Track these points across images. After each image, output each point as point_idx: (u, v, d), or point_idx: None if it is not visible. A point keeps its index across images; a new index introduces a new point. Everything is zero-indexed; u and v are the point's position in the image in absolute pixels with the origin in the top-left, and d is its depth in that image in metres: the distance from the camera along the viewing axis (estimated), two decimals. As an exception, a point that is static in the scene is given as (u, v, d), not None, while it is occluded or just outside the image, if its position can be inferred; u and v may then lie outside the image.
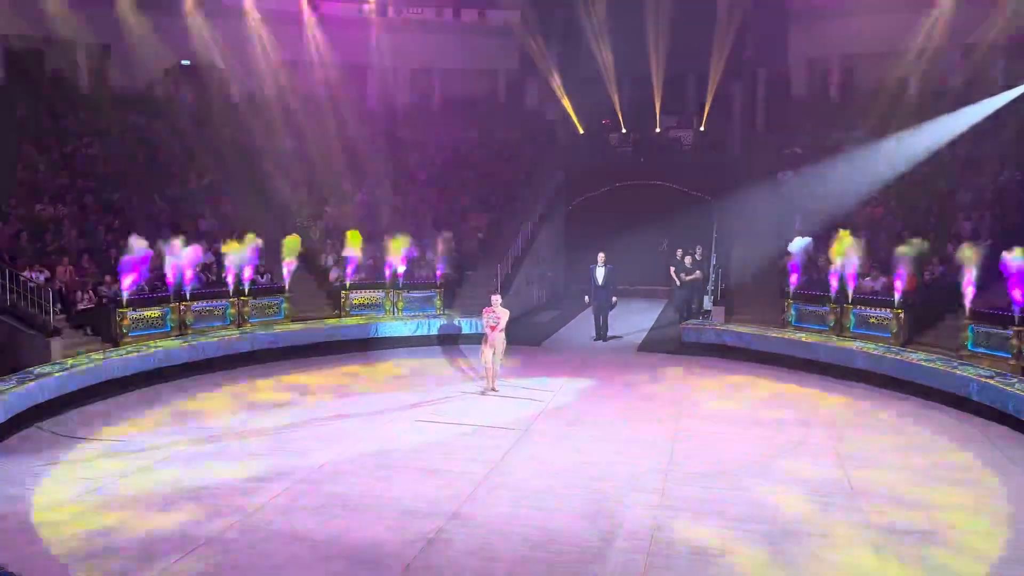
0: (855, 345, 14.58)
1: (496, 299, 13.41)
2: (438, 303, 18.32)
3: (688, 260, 18.71)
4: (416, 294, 18.21)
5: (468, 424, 11.50)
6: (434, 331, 17.36)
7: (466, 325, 17.31)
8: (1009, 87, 19.96)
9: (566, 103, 26.18)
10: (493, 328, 12.94)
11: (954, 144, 19.27)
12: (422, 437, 10.94)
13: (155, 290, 15.28)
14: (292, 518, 8.14)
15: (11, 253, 15.05)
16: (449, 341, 17.20)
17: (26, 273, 14.38)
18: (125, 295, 14.47)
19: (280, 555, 7.32)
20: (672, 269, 18.76)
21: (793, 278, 16.28)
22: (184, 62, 24.01)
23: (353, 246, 17.64)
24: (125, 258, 14.38)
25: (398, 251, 17.68)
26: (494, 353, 13.01)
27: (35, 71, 22.02)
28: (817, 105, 25.04)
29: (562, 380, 14.16)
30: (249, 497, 8.66)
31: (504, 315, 13.08)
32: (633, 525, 8.01)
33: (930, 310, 15.11)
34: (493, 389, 13.09)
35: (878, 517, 8.26)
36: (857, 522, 8.15)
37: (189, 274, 15.34)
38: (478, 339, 17.17)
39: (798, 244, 16.41)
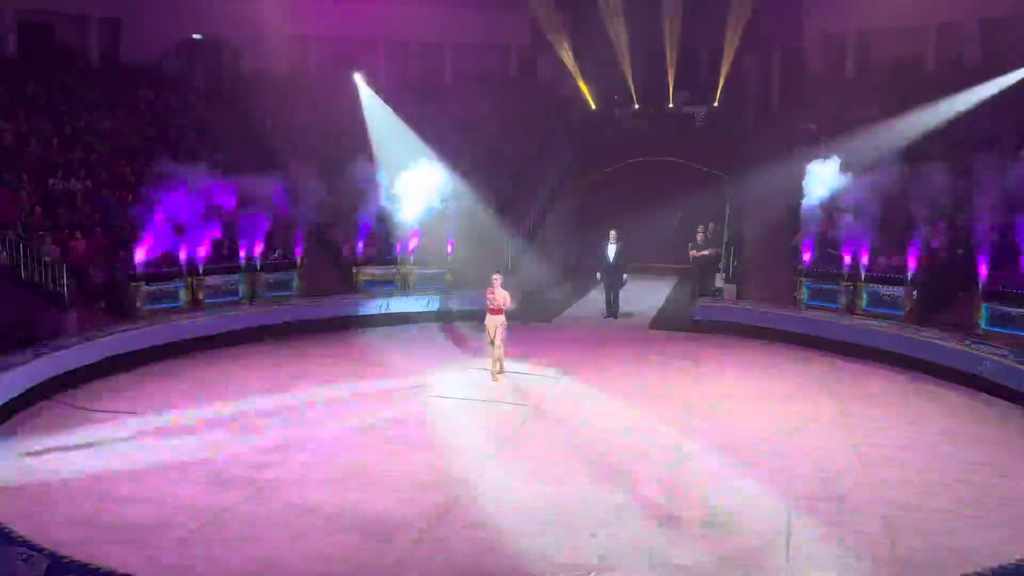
0: (868, 323, 14.52)
1: (497, 279, 12.56)
2: (449, 279, 18.34)
3: (700, 237, 18.66)
4: (427, 271, 18.22)
5: (479, 400, 11.56)
6: (445, 307, 17.37)
7: (478, 301, 17.31)
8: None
9: (578, 78, 25.97)
10: (493, 310, 12.40)
11: (971, 120, 19.02)
12: (434, 412, 11.02)
13: (170, 264, 15.38)
14: (304, 490, 8.23)
15: (25, 227, 15.12)
16: (460, 317, 17.21)
17: (41, 248, 14.46)
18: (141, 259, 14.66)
19: (292, 526, 7.40)
20: (689, 246, 18.76)
21: (806, 256, 16.19)
22: (196, 36, 23.94)
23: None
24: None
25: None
26: (493, 339, 12.39)
27: (46, 45, 22.03)
28: (832, 81, 24.77)
29: (573, 357, 14.17)
30: (262, 469, 8.75)
31: (504, 296, 12.39)
32: (644, 500, 8.06)
33: (944, 288, 15.02)
34: (499, 373, 12.54)
35: (887, 491, 8.28)
36: (868, 498, 8.17)
37: (202, 252, 15.47)
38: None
39: (828, 184, 15.68)
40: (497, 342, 12.45)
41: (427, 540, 7.16)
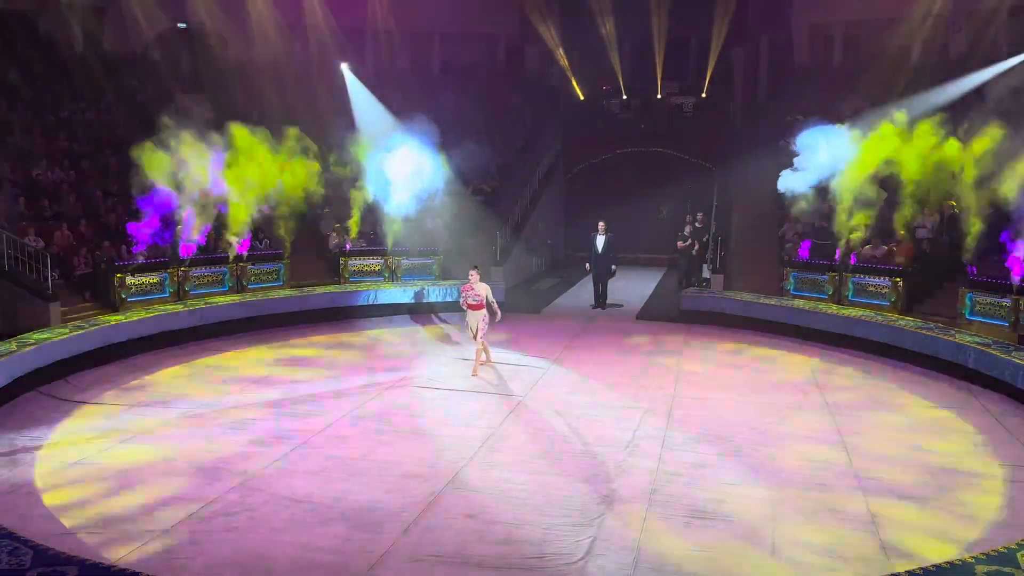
0: (853, 313, 14.60)
1: (474, 275, 12.34)
2: (436, 270, 18.31)
3: (688, 229, 18.74)
4: (415, 261, 18.18)
5: (466, 390, 11.55)
6: (433, 298, 17.34)
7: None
8: (1012, 54, 19.74)
9: (567, 69, 25.93)
10: (472, 306, 12.15)
11: (957, 111, 19.10)
12: (421, 403, 11.01)
13: (156, 255, 15.30)
14: (292, 481, 8.21)
15: (9, 218, 14.99)
16: (448, 308, 17.20)
17: (24, 238, 14.34)
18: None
19: (280, 517, 7.38)
20: (678, 236, 18.89)
21: (802, 251, 16.24)
22: (180, 25, 23.72)
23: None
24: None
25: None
26: (475, 334, 12.21)
27: (28, 34, 21.77)
28: (820, 72, 24.83)
29: (561, 347, 14.21)
30: (249, 461, 8.72)
31: (484, 290, 12.19)
32: (631, 489, 8.08)
33: (929, 278, 15.13)
34: (484, 363, 12.48)
35: (873, 481, 8.34)
36: (852, 485, 8.23)
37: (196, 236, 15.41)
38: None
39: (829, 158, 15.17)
40: (479, 337, 12.26)
41: (415, 530, 7.16)
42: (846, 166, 15.08)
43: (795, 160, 16.00)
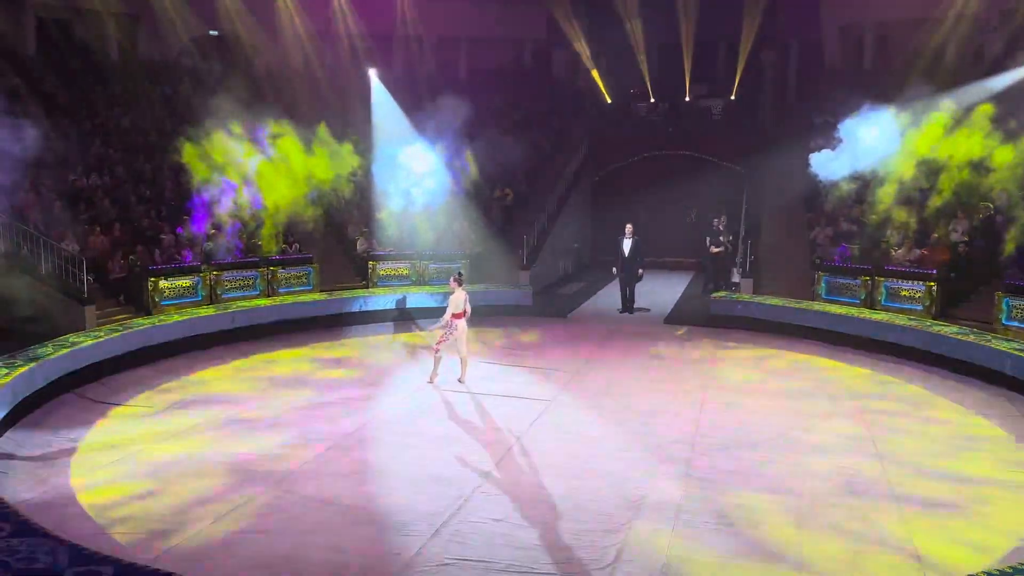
0: (886, 318, 14.40)
1: (452, 283, 11.94)
2: (464, 273, 18.34)
3: (722, 239, 18.70)
4: (443, 265, 18.24)
5: (495, 394, 11.55)
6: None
7: (492, 296, 17.37)
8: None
9: (594, 72, 25.90)
10: (454, 315, 11.70)
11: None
12: (450, 406, 11.03)
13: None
14: (322, 484, 8.27)
15: (45, 223, 15.26)
16: (475, 312, 17.15)
17: (61, 243, 14.60)
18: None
19: (310, 519, 7.44)
20: (708, 241, 18.82)
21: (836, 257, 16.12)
22: (212, 32, 24.06)
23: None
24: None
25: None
26: (441, 342, 11.77)
27: (65, 41, 22.19)
28: (850, 73, 24.56)
29: (589, 352, 14.17)
30: (279, 463, 8.80)
31: (460, 298, 11.71)
32: (659, 495, 8.04)
33: (964, 282, 14.87)
34: (434, 377, 11.96)
35: (905, 489, 8.21)
36: (884, 493, 8.12)
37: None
38: (503, 310, 17.27)
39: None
40: (451, 346, 11.79)
41: (444, 533, 7.18)
42: (890, 153, 14.89)
43: (834, 144, 15.87)
